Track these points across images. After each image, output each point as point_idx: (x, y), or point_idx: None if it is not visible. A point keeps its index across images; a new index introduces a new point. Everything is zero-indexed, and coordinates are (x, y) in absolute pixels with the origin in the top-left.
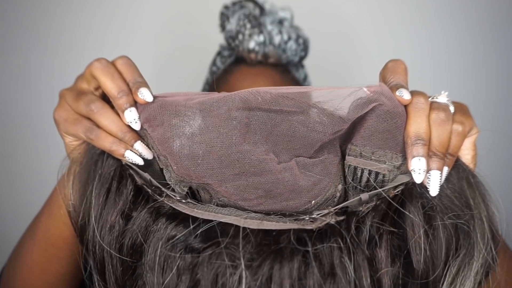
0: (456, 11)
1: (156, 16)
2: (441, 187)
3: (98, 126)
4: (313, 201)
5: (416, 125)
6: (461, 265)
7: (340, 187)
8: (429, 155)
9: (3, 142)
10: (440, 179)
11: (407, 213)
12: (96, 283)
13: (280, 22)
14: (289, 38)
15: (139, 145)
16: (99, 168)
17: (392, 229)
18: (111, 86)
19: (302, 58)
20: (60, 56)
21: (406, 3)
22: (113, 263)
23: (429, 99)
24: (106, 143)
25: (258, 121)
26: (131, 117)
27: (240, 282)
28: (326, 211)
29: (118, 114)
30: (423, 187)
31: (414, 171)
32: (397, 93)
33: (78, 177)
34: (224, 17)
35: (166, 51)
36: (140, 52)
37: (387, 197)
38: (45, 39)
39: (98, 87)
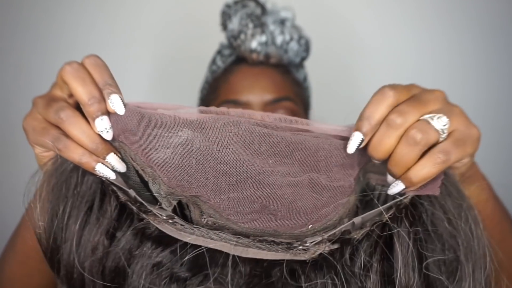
0: (457, 12)
1: (156, 16)
2: (439, 217)
3: (68, 136)
4: (310, 226)
5: (379, 136)
6: None
7: (346, 220)
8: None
9: (3, 142)
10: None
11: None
12: None
13: (282, 22)
14: (291, 39)
15: (112, 158)
16: (72, 187)
17: (380, 261)
18: (81, 91)
19: (303, 59)
20: (61, 56)
21: (407, 4)
22: (95, 285)
23: (429, 115)
24: (75, 154)
25: (261, 133)
26: (102, 126)
27: None
28: (319, 239)
29: (90, 123)
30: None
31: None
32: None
33: (48, 197)
34: (226, 16)
35: (166, 50)
36: (141, 52)
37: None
38: (46, 39)
39: (71, 94)
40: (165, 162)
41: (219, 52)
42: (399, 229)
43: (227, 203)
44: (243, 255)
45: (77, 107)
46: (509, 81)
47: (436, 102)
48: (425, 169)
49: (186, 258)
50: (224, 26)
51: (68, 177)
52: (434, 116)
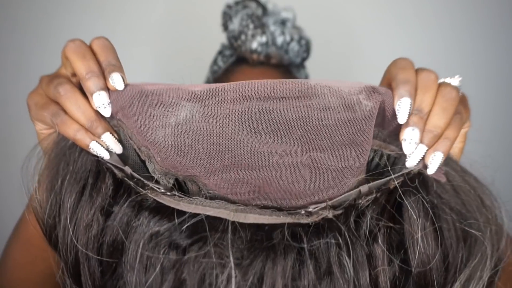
0: (459, 12)
1: (156, 16)
2: (454, 188)
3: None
4: (311, 208)
5: (419, 98)
6: (470, 277)
7: (355, 202)
8: (425, 130)
9: (3, 142)
10: (434, 158)
11: (411, 206)
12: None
13: (283, 22)
14: (292, 39)
15: (107, 137)
16: (70, 163)
17: (390, 224)
18: (80, 66)
19: (304, 60)
20: (61, 56)
21: (407, 4)
22: (90, 264)
23: (441, 79)
24: (70, 130)
25: (260, 110)
26: (100, 101)
27: (228, 282)
28: (323, 205)
29: (88, 100)
30: (425, 182)
31: (404, 140)
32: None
33: (46, 171)
34: (226, 17)
35: (167, 50)
36: (141, 52)
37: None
38: (46, 39)
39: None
40: (158, 142)
41: (220, 52)
42: (417, 194)
43: (222, 184)
44: (243, 220)
45: (80, 86)
46: (508, 81)
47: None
48: (451, 131)
49: (185, 226)
50: (225, 27)
51: (66, 152)
52: (446, 78)
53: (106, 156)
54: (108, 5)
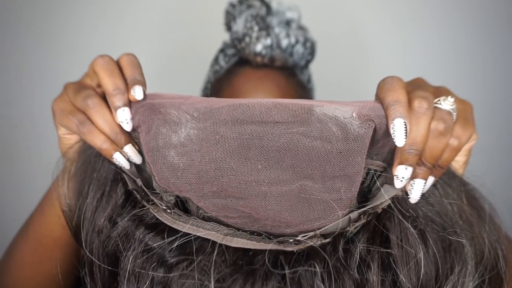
0: (462, 11)
1: (157, 15)
2: (441, 201)
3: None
4: (299, 236)
5: (413, 133)
6: (455, 283)
7: (344, 229)
8: (417, 163)
9: (4, 142)
10: (423, 188)
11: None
12: (88, 286)
13: (288, 23)
14: (297, 42)
15: (129, 148)
16: (96, 170)
17: (382, 249)
18: (108, 82)
19: (308, 62)
20: (62, 56)
21: (412, 4)
22: (100, 268)
23: (436, 99)
24: (97, 140)
25: (251, 136)
26: (123, 116)
27: None
28: (311, 234)
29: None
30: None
31: (397, 177)
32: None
33: (75, 177)
34: (230, 17)
35: (167, 50)
36: (141, 51)
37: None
38: (47, 39)
39: (100, 84)
40: (158, 162)
41: (222, 51)
42: (407, 217)
43: (211, 208)
44: (229, 244)
45: (104, 97)
46: (507, 82)
47: (427, 86)
48: (446, 155)
49: (175, 245)
50: (228, 27)
51: (92, 160)
52: (438, 100)
53: (126, 166)
54: (109, 5)
